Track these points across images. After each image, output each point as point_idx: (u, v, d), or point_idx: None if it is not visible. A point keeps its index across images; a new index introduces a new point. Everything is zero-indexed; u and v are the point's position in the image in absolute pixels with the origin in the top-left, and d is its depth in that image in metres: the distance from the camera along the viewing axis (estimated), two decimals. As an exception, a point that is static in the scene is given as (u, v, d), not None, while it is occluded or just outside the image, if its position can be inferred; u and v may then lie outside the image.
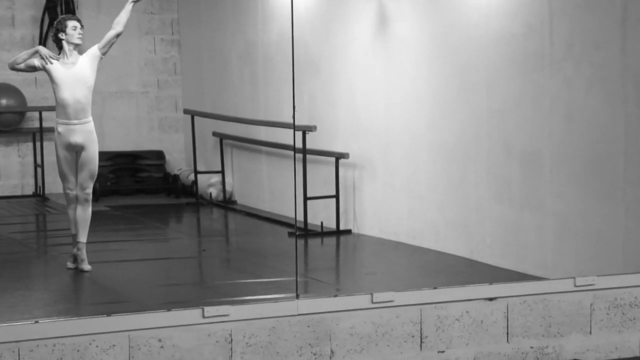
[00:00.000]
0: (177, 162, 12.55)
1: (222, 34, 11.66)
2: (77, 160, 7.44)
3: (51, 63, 7.29)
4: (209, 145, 11.85)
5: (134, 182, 12.17)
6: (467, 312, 6.07)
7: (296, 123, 8.63)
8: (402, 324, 5.99)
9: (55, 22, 7.62)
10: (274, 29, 10.57)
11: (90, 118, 7.44)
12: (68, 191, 7.51)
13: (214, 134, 11.63)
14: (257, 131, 10.90)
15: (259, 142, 10.92)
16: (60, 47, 7.39)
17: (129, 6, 7.51)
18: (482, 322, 6.09)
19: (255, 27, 10.99)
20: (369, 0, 8.99)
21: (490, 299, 6.15)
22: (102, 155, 12.16)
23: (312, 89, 9.89)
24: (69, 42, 7.35)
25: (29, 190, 11.35)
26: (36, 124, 11.64)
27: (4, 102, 11.59)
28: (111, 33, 7.49)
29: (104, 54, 7.43)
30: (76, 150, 7.42)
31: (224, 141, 11.52)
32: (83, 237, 7.51)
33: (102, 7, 12.28)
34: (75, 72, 7.32)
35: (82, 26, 7.45)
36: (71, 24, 7.42)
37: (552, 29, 7.21)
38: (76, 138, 7.37)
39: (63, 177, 7.50)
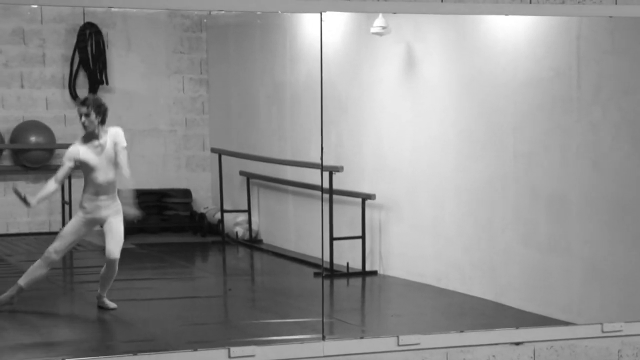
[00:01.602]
0: (204, 201, 12.62)
1: (250, 73, 11.77)
2: (103, 229, 7.56)
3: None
4: (235, 184, 11.92)
5: (161, 220, 12.23)
6: (493, 356, 6.07)
7: (323, 163, 8.68)
8: (428, 367, 5.99)
9: None
10: (302, 70, 10.66)
11: (116, 193, 7.58)
12: (53, 254, 7.52)
13: (241, 173, 11.70)
14: (284, 171, 10.96)
15: (286, 181, 10.97)
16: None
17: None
18: (508, 366, 6.09)
19: (283, 67, 11.09)
20: (397, 42, 9.07)
21: (517, 344, 6.15)
22: (130, 193, 12.27)
23: (339, 130, 9.95)
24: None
25: (57, 227, 11.43)
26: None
27: (33, 139, 11.72)
28: (121, 159, 7.53)
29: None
30: (100, 224, 7.53)
31: (251, 180, 11.58)
32: (104, 292, 7.60)
33: (132, 45, 12.44)
34: (105, 156, 7.43)
35: (92, 107, 7.40)
36: (80, 111, 7.48)
37: (580, 73, 7.25)
38: (102, 213, 7.49)
39: (61, 239, 7.55)
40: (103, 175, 7.44)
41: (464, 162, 8.43)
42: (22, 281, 7.50)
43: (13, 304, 7.48)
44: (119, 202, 7.62)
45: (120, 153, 7.47)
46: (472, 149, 8.33)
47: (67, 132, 12.03)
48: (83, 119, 7.42)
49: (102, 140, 7.45)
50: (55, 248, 7.53)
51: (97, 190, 7.47)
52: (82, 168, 7.53)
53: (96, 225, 7.61)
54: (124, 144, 7.53)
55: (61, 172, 7.47)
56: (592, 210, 7.21)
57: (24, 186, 11.86)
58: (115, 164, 7.48)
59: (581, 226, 7.28)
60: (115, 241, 7.48)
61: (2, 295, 7.50)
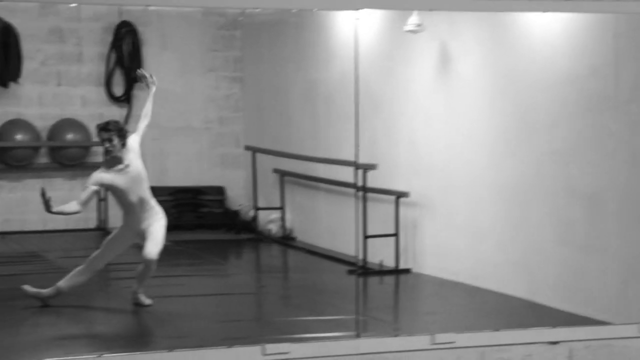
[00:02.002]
0: (238, 198, 12.62)
1: (284, 71, 11.74)
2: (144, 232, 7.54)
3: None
4: (269, 182, 11.90)
5: (195, 218, 12.25)
6: (529, 355, 5.99)
7: (357, 161, 8.63)
8: (464, 366, 5.92)
9: None
10: (336, 68, 10.61)
11: (152, 203, 7.53)
12: (97, 263, 7.53)
13: (275, 170, 11.68)
14: (317, 168, 10.92)
15: (319, 179, 10.93)
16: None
17: (152, 93, 7.55)
18: (544, 365, 6.01)
19: (317, 65, 11.05)
20: (432, 39, 9.00)
21: (553, 343, 6.06)
22: (164, 190, 12.29)
23: (373, 127, 9.89)
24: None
25: (92, 223, 11.47)
26: (100, 159, 11.77)
27: (69, 136, 11.77)
28: (144, 123, 7.56)
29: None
30: (143, 233, 7.54)
31: (285, 178, 11.56)
32: (140, 288, 7.59)
33: (167, 43, 12.45)
34: (132, 176, 7.38)
35: (114, 131, 7.30)
36: (102, 136, 7.35)
37: (618, 71, 7.14)
38: (143, 225, 7.49)
39: (105, 248, 7.54)
40: (134, 195, 7.39)
41: (498, 159, 8.35)
42: (63, 284, 7.48)
43: (47, 303, 7.48)
44: (158, 210, 7.56)
45: (141, 131, 7.51)
46: (507, 146, 8.24)
47: (103, 129, 12.06)
48: (107, 144, 7.31)
49: (126, 162, 7.38)
50: (99, 256, 7.53)
51: (132, 209, 7.44)
52: (112, 191, 7.49)
53: (140, 235, 7.59)
54: (137, 137, 7.48)
55: (85, 196, 7.32)
56: (630, 208, 7.11)
57: (60, 183, 11.92)
58: (142, 179, 7.42)
59: (619, 225, 7.18)
60: (154, 242, 7.45)
61: (43, 292, 7.49)
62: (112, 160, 7.34)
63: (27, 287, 7.50)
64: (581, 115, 7.46)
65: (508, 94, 8.23)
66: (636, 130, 7.11)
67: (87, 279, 7.54)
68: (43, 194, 7.07)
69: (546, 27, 7.69)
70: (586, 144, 7.43)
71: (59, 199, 11.80)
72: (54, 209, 7.17)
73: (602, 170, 7.30)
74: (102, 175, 7.37)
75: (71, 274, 7.50)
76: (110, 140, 7.27)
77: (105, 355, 5.67)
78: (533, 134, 7.95)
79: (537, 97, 7.88)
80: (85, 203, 7.32)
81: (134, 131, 7.56)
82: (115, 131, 7.30)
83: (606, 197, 7.27)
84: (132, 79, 12.15)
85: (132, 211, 7.41)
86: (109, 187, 7.43)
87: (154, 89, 7.63)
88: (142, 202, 7.41)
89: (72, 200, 7.38)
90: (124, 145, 7.33)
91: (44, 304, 7.47)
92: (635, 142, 7.12)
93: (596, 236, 7.33)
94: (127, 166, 7.35)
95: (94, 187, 7.35)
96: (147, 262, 7.42)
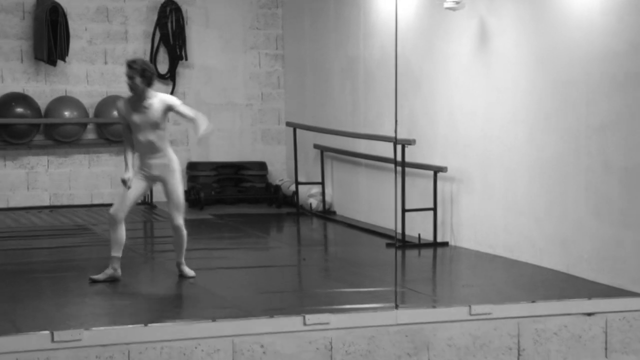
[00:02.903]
0: (279, 173, 12.64)
1: (324, 49, 11.72)
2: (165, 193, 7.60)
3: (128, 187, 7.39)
4: (310, 157, 11.90)
5: (237, 192, 12.29)
6: (565, 326, 5.97)
7: (396, 137, 8.60)
8: (500, 336, 5.91)
9: None
10: (376, 45, 10.57)
11: (165, 152, 7.49)
12: (119, 213, 7.48)
13: (315, 146, 11.68)
14: (357, 144, 10.91)
15: (358, 154, 10.92)
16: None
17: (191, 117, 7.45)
18: (580, 337, 5.98)
19: (357, 42, 11.01)
20: (471, 16, 8.93)
21: (589, 314, 6.03)
22: (207, 165, 12.37)
23: (412, 104, 9.86)
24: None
25: (138, 197, 11.53)
26: (145, 135, 11.86)
27: (116, 113, 11.84)
28: (187, 111, 7.45)
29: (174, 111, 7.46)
30: (157, 181, 7.59)
31: (325, 153, 11.56)
32: (180, 258, 7.65)
33: (210, 22, 12.47)
34: (146, 119, 7.39)
35: (138, 71, 7.29)
36: (127, 73, 7.40)
37: None
38: (152, 171, 7.52)
39: (122, 198, 7.51)
40: (143, 135, 7.41)
41: (535, 135, 8.28)
42: (114, 253, 7.53)
43: (117, 276, 7.52)
44: (170, 159, 7.51)
45: (180, 108, 7.41)
46: (545, 122, 8.18)
47: (148, 106, 12.13)
48: (129, 81, 7.38)
49: (147, 102, 7.39)
50: (118, 207, 7.53)
51: (142, 149, 7.48)
52: (128, 124, 7.51)
53: (153, 182, 7.64)
54: (178, 102, 7.45)
55: (125, 134, 7.54)
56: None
57: (106, 159, 12.03)
58: (156, 125, 7.38)
59: (655, 199, 7.11)
60: (174, 206, 7.52)
61: (106, 274, 7.49)
62: (135, 97, 7.43)
63: (96, 277, 7.47)
64: (618, 91, 7.37)
65: (546, 71, 8.15)
66: (673, 105, 7.02)
67: (123, 230, 7.51)
68: (124, 182, 7.39)
69: (584, 4, 7.60)
70: (623, 120, 7.34)
71: (105, 173, 12.00)
72: (129, 175, 7.40)
73: (638, 145, 7.22)
74: (120, 105, 7.52)
75: (111, 240, 7.54)
76: (132, 77, 7.35)
77: (151, 324, 5.72)
78: (570, 109, 7.87)
79: (574, 73, 7.80)
80: (130, 140, 7.49)
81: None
82: (138, 70, 7.34)
83: None
84: (176, 57, 12.20)
85: (140, 151, 7.49)
86: (124, 117, 7.48)
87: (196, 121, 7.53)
88: (151, 145, 7.43)
89: (117, 175, 7.43)
90: (148, 85, 7.37)
91: (116, 279, 7.50)
92: (672, 117, 7.03)
93: (632, 210, 7.26)
94: (145, 107, 7.39)
95: (121, 120, 7.53)
96: (175, 228, 7.54)
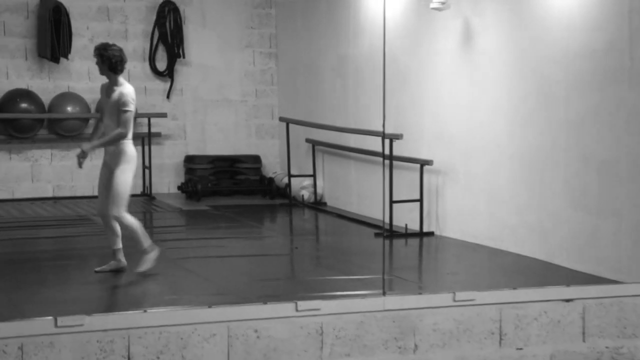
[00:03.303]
0: (272, 166, 12.63)
1: (316, 47, 11.70)
2: None
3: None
4: (302, 151, 11.90)
5: (233, 184, 12.28)
6: (545, 312, 5.97)
7: (384, 131, 8.60)
8: (483, 321, 5.92)
9: None
10: (365, 43, 10.56)
11: (121, 142, 7.21)
12: (96, 211, 7.41)
13: (307, 140, 11.67)
14: (347, 138, 10.90)
15: (349, 148, 10.92)
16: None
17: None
18: (559, 322, 5.99)
19: (347, 41, 11.00)
20: (455, 16, 8.93)
21: (567, 300, 6.04)
22: (204, 158, 12.35)
23: (399, 100, 9.86)
24: None
25: (138, 190, 11.55)
26: (145, 129, 11.84)
27: (116, 108, 11.79)
28: (120, 117, 7.23)
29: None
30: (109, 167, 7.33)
31: (316, 147, 11.55)
32: (141, 246, 7.31)
33: (207, 21, 12.44)
34: (108, 104, 7.29)
35: (95, 54, 7.23)
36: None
37: (632, 46, 7.05)
38: (106, 157, 7.36)
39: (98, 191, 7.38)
40: (105, 119, 7.32)
41: (517, 129, 8.29)
42: (114, 246, 7.34)
43: (122, 266, 7.35)
44: (123, 150, 7.21)
45: (120, 114, 7.18)
46: (526, 116, 8.19)
47: (147, 101, 12.11)
48: (95, 65, 7.36)
49: (113, 89, 7.26)
50: (96, 204, 7.38)
51: (103, 133, 7.33)
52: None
53: (108, 168, 7.31)
54: (126, 106, 7.19)
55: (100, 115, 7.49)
56: (641, 175, 7.05)
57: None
58: (113, 113, 7.21)
59: (630, 190, 7.12)
60: (110, 197, 7.18)
61: (110, 265, 7.35)
62: (108, 82, 7.33)
63: (100, 268, 7.34)
64: (596, 88, 7.38)
65: (527, 68, 8.16)
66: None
67: (114, 222, 7.25)
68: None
69: (563, 4, 7.60)
70: (600, 115, 7.36)
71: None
72: (88, 147, 7.23)
73: (615, 139, 7.23)
74: (101, 86, 7.43)
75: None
76: (96, 62, 7.29)
77: (150, 310, 5.71)
78: (550, 105, 7.88)
79: (554, 70, 7.80)
80: (99, 120, 7.39)
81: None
82: (97, 54, 7.27)
83: (619, 164, 7.21)
84: (175, 55, 12.17)
85: (104, 133, 7.32)
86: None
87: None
88: (108, 131, 7.25)
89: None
90: (112, 70, 7.24)
91: (122, 269, 7.39)
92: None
93: (608, 201, 7.28)
94: (111, 92, 7.25)
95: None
96: (115, 220, 7.23)
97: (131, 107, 7.24)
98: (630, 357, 6.04)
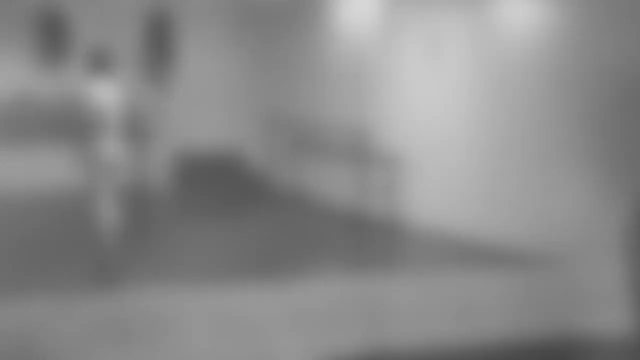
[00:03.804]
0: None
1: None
2: None
3: None
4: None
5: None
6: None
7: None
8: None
9: None
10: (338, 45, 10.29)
11: None
12: None
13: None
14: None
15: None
16: None
17: None
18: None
19: (324, 44, 10.62)
20: (423, 25, 9.00)
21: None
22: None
23: (370, 97, 9.75)
24: None
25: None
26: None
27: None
28: None
29: None
30: None
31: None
32: None
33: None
34: None
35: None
36: None
37: (579, 56, 7.18)
38: None
39: None
40: None
41: (480, 128, 8.43)
42: None
43: None
44: None
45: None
46: (489, 116, 8.32)
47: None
48: None
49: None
50: None
51: None
52: None
53: None
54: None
55: None
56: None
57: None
58: None
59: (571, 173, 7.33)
60: None
61: None
62: None
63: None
64: (555, 92, 7.56)
65: (490, 72, 8.25)
66: (597, 102, 7.18)
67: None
68: None
69: (527, 15, 7.72)
70: (558, 118, 7.52)
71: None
72: None
73: (566, 138, 7.43)
74: None
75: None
76: None
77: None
78: (510, 106, 8.02)
79: (515, 75, 7.94)
80: None
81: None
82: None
83: (565, 159, 7.43)
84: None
85: None
86: None
87: None
88: None
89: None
90: (90, 69, 7.25)
91: None
92: (596, 115, 7.19)
93: (560, 191, 7.54)
94: None
95: None
96: None
97: None
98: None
